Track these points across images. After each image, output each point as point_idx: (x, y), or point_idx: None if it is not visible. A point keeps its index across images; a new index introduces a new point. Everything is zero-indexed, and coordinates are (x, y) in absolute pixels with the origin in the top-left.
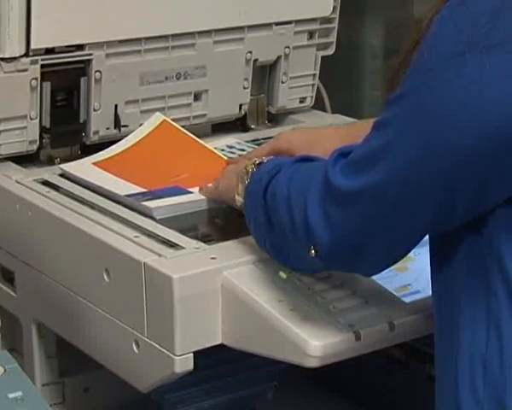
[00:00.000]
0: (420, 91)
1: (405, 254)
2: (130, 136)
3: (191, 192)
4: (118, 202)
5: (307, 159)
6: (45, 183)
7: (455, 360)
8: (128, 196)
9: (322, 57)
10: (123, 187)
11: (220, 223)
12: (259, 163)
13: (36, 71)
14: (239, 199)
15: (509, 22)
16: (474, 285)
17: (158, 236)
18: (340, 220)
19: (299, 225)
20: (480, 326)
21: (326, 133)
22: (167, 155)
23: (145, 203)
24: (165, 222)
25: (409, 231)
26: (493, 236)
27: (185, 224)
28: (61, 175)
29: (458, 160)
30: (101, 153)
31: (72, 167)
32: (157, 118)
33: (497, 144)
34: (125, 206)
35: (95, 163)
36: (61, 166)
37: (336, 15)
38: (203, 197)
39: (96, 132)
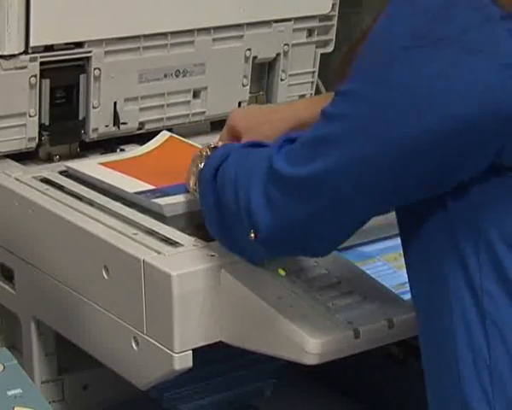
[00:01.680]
0: (366, 85)
1: (345, 240)
2: (136, 150)
3: None
4: (126, 200)
5: (257, 144)
6: (44, 180)
7: (455, 363)
8: (137, 193)
9: (322, 55)
10: (131, 184)
11: None
12: (214, 147)
13: (35, 68)
14: (190, 183)
15: (455, 16)
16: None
17: (157, 233)
18: (280, 206)
19: (243, 208)
20: (475, 328)
21: (279, 110)
22: (175, 162)
23: (155, 201)
24: (165, 219)
25: (348, 222)
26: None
27: (185, 221)
28: (61, 172)
29: (402, 151)
30: (107, 157)
31: (78, 165)
32: (163, 135)
33: (443, 137)
34: (134, 203)
35: (101, 163)
36: (67, 163)
37: (335, 13)
38: None
39: (95, 130)
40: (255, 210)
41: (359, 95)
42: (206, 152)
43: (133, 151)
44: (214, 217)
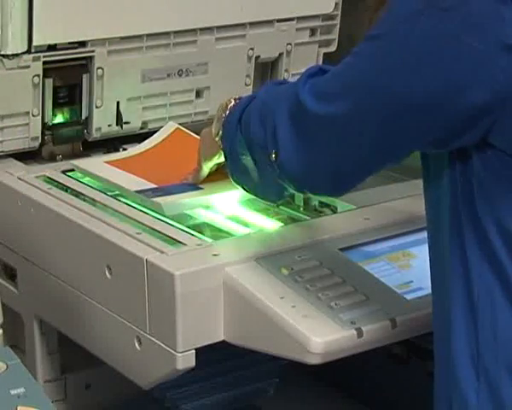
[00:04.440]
0: (384, 35)
1: (349, 186)
2: (142, 143)
3: (201, 188)
4: (128, 199)
5: (285, 82)
6: (47, 179)
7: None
8: (138, 191)
9: (324, 54)
10: (135, 183)
11: (223, 219)
12: (239, 98)
13: (38, 68)
14: (214, 133)
15: None
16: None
17: (160, 232)
18: (302, 133)
19: (268, 130)
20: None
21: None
22: (180, 157)
23: (156, 199)
24: (168, 219)
25: (354, 163)
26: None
27: (188, 220)
28: (64, 172)
29: (400, 105)
30: (113, 155)
31: (83, 163)
32: (170, 126)
33: (434, 99)
34: (135, 202)
35: (107, 162)
36: (72, 161)
37: (338, 12)
38: (213, 194)
39: (98, 129)
40: (279, 131)
41: (376, 43)
42: (231, 102)
43: (140, 145)
44: (235, 162)
